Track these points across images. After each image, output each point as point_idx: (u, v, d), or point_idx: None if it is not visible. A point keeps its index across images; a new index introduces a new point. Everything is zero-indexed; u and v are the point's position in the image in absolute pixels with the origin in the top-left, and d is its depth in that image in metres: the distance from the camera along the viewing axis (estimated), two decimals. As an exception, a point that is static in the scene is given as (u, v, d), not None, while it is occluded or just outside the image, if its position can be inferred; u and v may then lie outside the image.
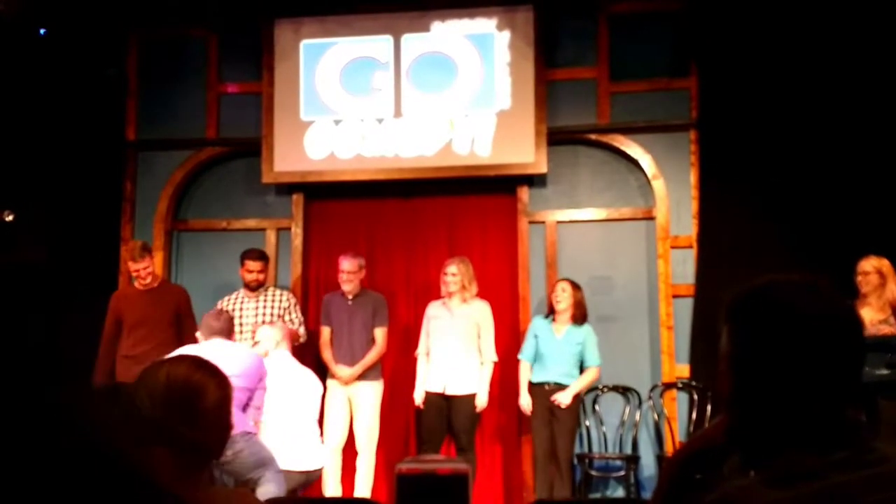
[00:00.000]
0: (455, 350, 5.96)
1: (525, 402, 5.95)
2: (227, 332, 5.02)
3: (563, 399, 5.86)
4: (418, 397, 6.03)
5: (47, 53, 6.66)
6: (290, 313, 6.18)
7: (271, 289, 6.31)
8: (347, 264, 6.16)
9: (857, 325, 1.35)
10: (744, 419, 1.35)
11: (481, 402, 5.94)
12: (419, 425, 6.18)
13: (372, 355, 6.10)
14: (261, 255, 6.28)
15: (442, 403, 5.97)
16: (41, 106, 6.63)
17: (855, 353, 1.33)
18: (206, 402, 1.72)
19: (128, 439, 1.64)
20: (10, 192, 6.58)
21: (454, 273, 6.02)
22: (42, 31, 6.64)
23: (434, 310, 6.12)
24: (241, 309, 6.12)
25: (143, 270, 5.98)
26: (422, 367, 6.08)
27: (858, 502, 1.21)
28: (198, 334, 5.20)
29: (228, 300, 6.21)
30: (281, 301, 6.21)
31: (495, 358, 6.05)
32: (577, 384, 5.95)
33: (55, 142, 6.68)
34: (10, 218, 6.49)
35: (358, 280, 6.19)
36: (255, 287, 6.18)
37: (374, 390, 6.08)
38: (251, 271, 6.17)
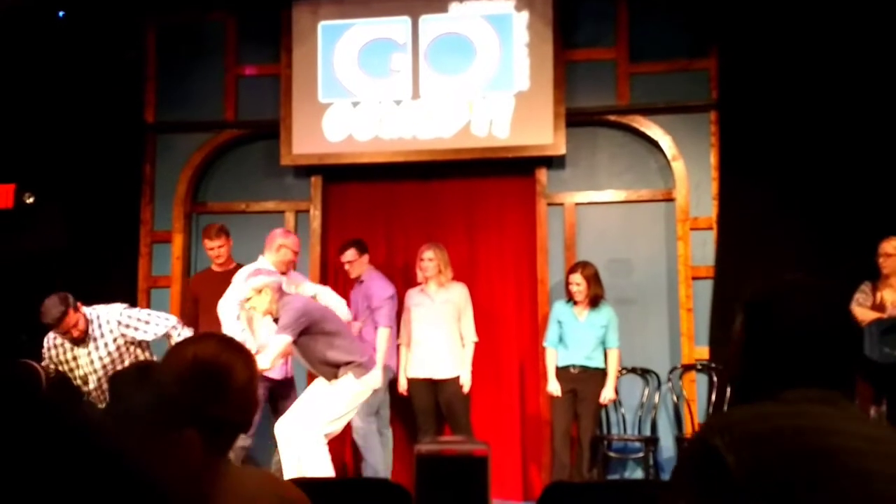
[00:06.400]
0: (440, 336, 6.01)
1: (553, 387, 5.96)
2: None
3: (610, 395, 5.93)
4: (402, 385, 6.08)
5: (66, 37, 6.67)
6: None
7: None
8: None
9: (856, 336, 1.67)
10: (748, 392, 1.60)
11: (466, 383, 6.01)
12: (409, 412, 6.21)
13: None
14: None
15: (431, 388, 6.03)
16: (60, 89, 6.66)
17: (851, 355, 1.59)
18: (234, 381, 1.72)
19: (153, 422, 1.66)
20: (31, 176, 6.62)
21: (431, 258, 6.05)
22: (60, 13, 6.66)
23: (414, 298, 6.14)
24: None
25: (217, 249, 6.14)
26: (403, 355, 6.12)
27: (835, 423, 1.45)
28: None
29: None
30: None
31: (476, 339, 6.13)
32: (612, 374, 5.96)
33: (74, 125, 6.71)
34: (30, 200, 6.53)
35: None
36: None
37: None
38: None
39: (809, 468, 1.39)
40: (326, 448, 5.16)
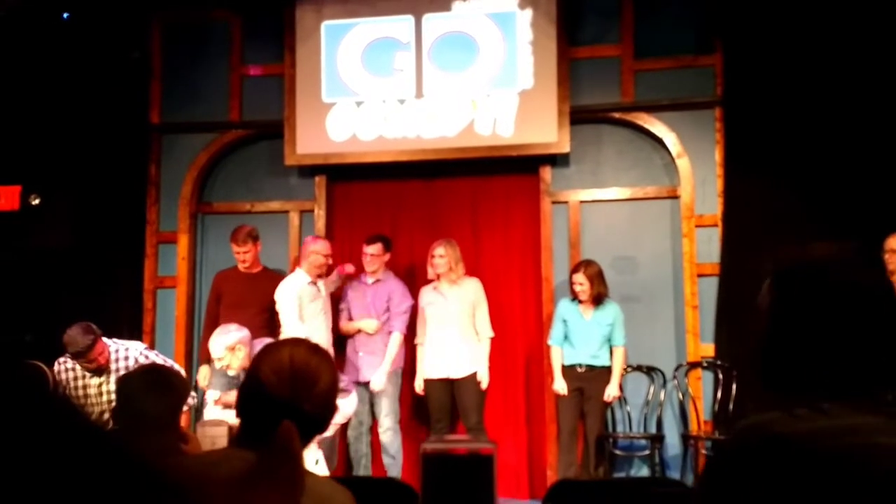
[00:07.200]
0: (455, 334, 6.01)
1: (559, 386, 5.95)
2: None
3: (614, 392, 5.92)
4: (419, 385, 6.10)
5: (70, 37, 6.68)
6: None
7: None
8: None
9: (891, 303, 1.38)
10: (774, 367, 1.40)
11: (484, 379, 6.00)
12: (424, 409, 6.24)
13: None
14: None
15: (448, 387, 6.04)
16: (65, 90, 6.67)
17: (887, 328, 1.35)
18: (321, 383, 1.86)
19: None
20: (37, 177, 6.64)
21: (442, 255, 6.05)
22: (65, 14, 6.67)
23: (428, 296, 6.13)
24: None
25: (242, 254, 6.27)
26: (420, 355, 6.13)
27: (874, 440, 1.25)
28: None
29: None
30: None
31: (492, 333, 6.13)
32: (617, 371, 5.96)
33: (80, 126, 6.72)
34: (36, 202, 6.55)
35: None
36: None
37: None
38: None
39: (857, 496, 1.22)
40: (320, 450, 5.21)
